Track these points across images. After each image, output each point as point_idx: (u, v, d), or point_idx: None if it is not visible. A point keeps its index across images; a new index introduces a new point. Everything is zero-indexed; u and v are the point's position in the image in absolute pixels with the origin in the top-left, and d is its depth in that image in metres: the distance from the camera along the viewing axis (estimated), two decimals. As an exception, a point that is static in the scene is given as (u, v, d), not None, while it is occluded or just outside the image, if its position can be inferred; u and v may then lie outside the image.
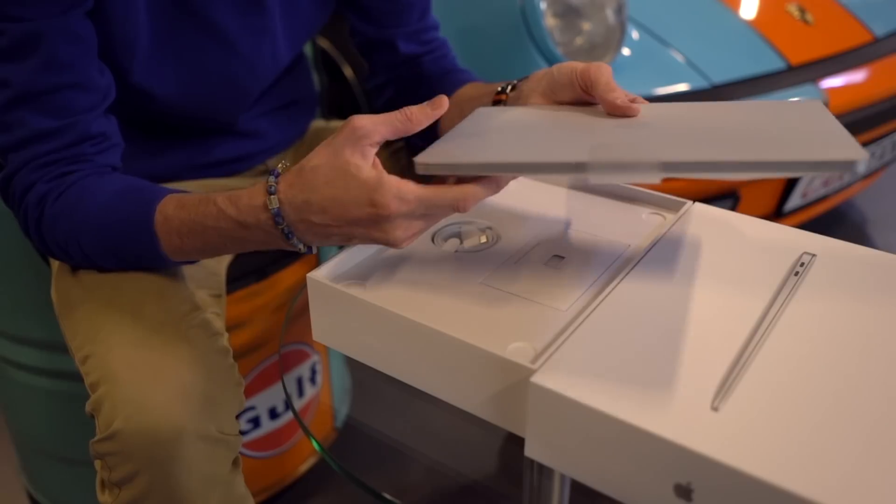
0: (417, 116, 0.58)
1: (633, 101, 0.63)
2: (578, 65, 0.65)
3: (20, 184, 0.67)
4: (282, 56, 0.84)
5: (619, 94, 0.62)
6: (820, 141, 0.52)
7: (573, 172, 0.52)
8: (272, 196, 0.57)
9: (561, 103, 0.68)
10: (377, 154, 0.57)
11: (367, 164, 0.55)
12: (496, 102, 0.74)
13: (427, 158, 0.56)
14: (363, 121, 0.56)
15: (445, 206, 0.56)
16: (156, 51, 0.73)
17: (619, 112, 0.62)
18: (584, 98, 0.66)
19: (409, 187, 0.55)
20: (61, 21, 0.63)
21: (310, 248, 0.61)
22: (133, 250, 0.66)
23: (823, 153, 0.49)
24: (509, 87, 0.73)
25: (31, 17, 0.62)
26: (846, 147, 0.49)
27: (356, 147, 0.55)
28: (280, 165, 0.60)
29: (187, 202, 0.63)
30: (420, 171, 0.56)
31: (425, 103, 0.59)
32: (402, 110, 0.58)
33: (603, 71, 0.63)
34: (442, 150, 0.58)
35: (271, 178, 0.58)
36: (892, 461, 0.42)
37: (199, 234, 0.62)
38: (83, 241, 0.66)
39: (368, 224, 0.55)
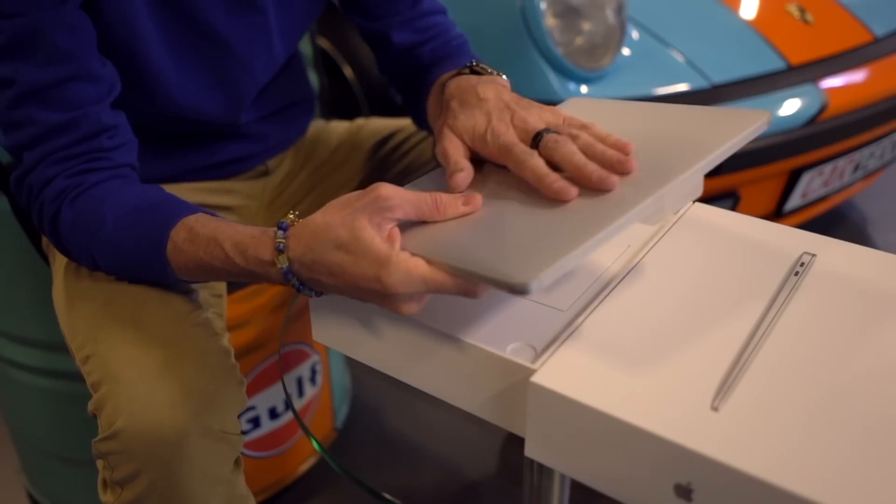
0: (446, 208, 0.56)
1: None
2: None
3: (37, 179, 0.67)
4: (277, 54, 0.84)
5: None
6: (727, 117, 0.61)
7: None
8: (281, 255, 0.56)
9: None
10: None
11: (381, 238, 0.53)
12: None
13: (544, 271, 0.47)
14: (389, 192, 0.54)
15: (453, 292, 0.52)
16: (154, 50, 0.73)
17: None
18: None
19: (418, 269, 0.51)
20: (57, 13, 0.63)
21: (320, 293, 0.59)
22: (143, 270, 0.67)
23: (746, 123, 0.58)
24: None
25: (27, 11, 0.62)
26: (750, 114, 0.59)
27: (374, 217, 0.53)
28: (289, 217, 0.58)
29: (198, 236, 0.62)
30: (543, 285, 0.47)
31: (458, 196, 0.57)
32: (433, 196, 0.56)
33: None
34: (546, 255, 0.49)
35: (279, 234, 0.57)
36: (891, 461, 0.42)
37: (207, 270, 0.62)
38: (95, 251, 0.66)
39: (374, 296, 0.54)
